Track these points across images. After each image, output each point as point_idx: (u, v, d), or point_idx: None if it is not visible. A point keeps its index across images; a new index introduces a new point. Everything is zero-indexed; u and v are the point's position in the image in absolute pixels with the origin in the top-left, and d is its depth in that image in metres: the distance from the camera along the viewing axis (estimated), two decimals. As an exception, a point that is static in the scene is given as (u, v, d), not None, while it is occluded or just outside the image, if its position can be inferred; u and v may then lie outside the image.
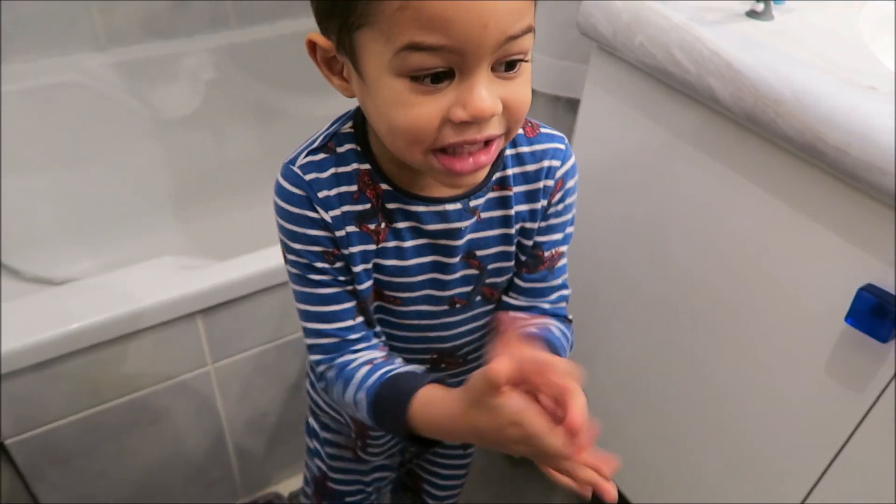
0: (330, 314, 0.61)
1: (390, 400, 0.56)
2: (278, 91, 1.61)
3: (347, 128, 0.59)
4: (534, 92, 0.53)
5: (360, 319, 0.62)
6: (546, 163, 0.61)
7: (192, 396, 1.06)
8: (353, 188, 0.58)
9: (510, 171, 0.60)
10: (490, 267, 0.63)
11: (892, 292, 0.66)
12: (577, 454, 0.46)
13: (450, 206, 0.59)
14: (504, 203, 0.61)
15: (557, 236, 0.64)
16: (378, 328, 0.65)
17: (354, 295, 0.61)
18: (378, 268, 0.60)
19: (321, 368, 0.63)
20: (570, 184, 0.63)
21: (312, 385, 0.80)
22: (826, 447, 0.77)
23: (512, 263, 0.64)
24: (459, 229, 0.59)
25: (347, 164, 0.58)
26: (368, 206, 0.58)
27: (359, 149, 0.58)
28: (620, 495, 1.10)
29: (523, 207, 0.61)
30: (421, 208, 0.58)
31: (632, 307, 1.00)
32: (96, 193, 1.44)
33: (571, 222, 0.65)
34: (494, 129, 0.49)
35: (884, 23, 0.86)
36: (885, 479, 0.72)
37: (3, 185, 1.30)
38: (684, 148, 0.83)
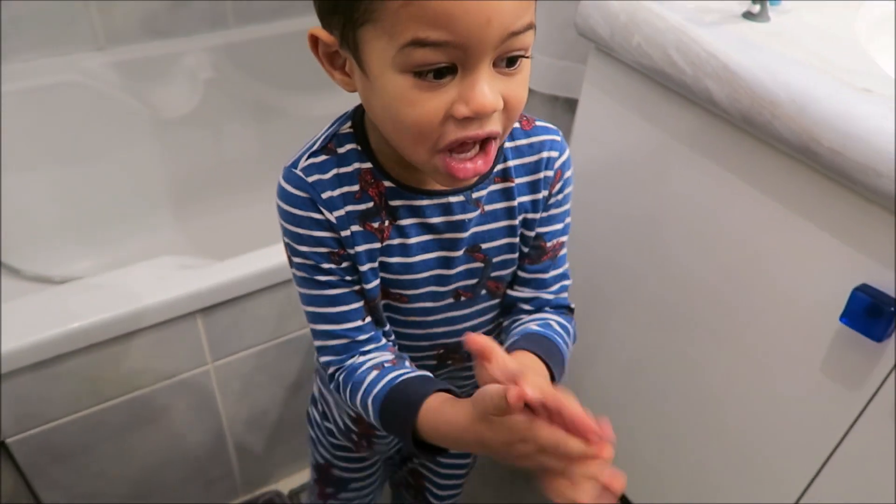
0: (338, 315, 0.61)
1: (399, 405, 0.56)
2: (277, 90, 1.61)
3: (346, 128, 0.59)
4: (532, 91, 0.54)
5: (368, 320, 0.62)
6: (545, 154, 0.62)
7: (192, 395, 1.07)
8: (356, 188, 0.58)
9: (511, 163, 0.61)
10: (495, 260, 0.64)
11: (887, 292, 0.67)
12: (600, 451, 0.46)
13: (453, 199, 0.59)
14: (507, 195, 0.62)
15: (559, 226, 0.65)
16: (388, 327, 0.66)
17: (362, 295, 0.61)
18: (383, 266, 0.61)
19: (331, 370, 0.63)
20: (567, 174, 0.64)
21: (323, 382, 0.79)
22: (822, 445, 0.78)
23: (516, 255, 0.65)
24: (463, 221, 0.60)
25: (349, 164, 0.58)
26: (371, 204, 0.59)
27: (359, 148, 0.58)
28: (622, 495, 1.11)
29: (525, 198, 0.62)
30: (425, 202, 0.59)
31: (628, 307, 1.01)
32: (96, 192, 1.44)
33: (569, 212, 0.66)
34: (495, 125, 0.50)
35: (880, 23, 0.86)
36: (880, 476, 0.73)
37: (2, 185, 1.30)
38: (681, 149, 0.83)
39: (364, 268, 0.60)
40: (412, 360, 0.69)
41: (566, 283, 0.68)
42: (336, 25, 0.49)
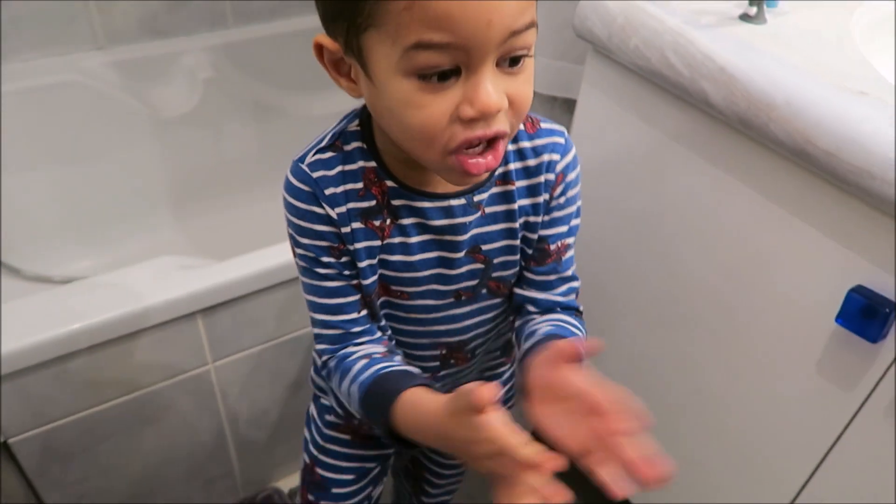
0: (335, 306, 0.63)
1: (379, 396, 0.58)
2: (276, 89, 1.62)
3: (354, 126, 0.60)
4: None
5: (364, 313, 0.64)
6: (546, 157, 0.62)
7: (192, 395, 1.07)
8: (359, 185, 0.59)
9: (512, 167, 0.62)
10: (496, 261, 0.65)
11: (882, 293, 0.67)
12: (544, 463, 0.47)
13: (454, 202, 0.60)
14: (507, 198, 0.62)
15: (562, 229, 0.65)
16: (384, 322, 0.67)
17: (359, 289, 0.63)
18: (384, 263, 0.62)
19: (324, 358, 0.65)
20: (570, 176, 0.64)
21: (317, 371, 0.81)
22: (818, 444, 0.78)
23: (517, 257, 0.65)
24: (464, 224, 0.61)
25: (354, 161, 0.59)
26: (374, 202, 0.60)
27: (365, 146, 0.59)
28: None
29: (526, 202, 0.63)
30: (426, 204, 0.60)
31: (626, 306, 1.01)
32: (95, 192, 1.45)
33: (576, 214, 0.66)
34: (502, 124, 0.50)
35: (875, 25, 0.87)
36: (875, 475, 0.74)
37: (2, 185, 1.31)
38: (679, 149, 0.84)
39: (363, 264, 0.61)
40: (415, 360, 0.71)
41: (574, 284, 0.68)
42: (340, 32, 0.50)
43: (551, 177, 0.63)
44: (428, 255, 0.62)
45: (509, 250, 0.65)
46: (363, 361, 0.61)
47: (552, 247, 0.66)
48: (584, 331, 0.67)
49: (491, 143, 0.51)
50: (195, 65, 1.49)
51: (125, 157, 1.46)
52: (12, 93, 1.29)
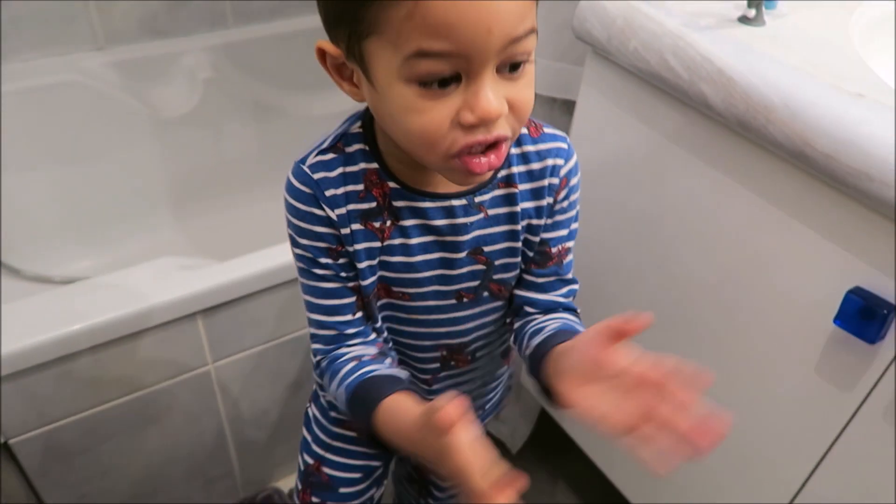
0: (330, 307, 0.64)
1: (363, 399, 0.59)
2: (276, 89, 1.62)
3: (356, 128, 0.61)
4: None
5: (359, 315, 0.65)
6: (550, 161, 0.63)
7: (193, 395, 1.08)
8: (360, 187, 0.60)
9: (515, 170, 0.62)
10: (497, 263, 0.65)
11: (880, 295, 0.68)
12: (496, 496, 0.47)
13: (455, 202, 0.61)
14: (510, 200, 0.63)
15: (563, 232, 0.67)
16: (382, 324, 0.67)
17: (356, 291, 0.64)
18: (385, 265, 0.63)
19: (318, 358, 0.66)
20: (573, 181, 0.65)
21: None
22: (817, 445, 0.79)
23: (518, 259, 0.66)
24: (465, 225, 0.62)
25: (355, 163, 0.60)
26: (374, 204, 0.60)
27: (367, 148, 0.60)
28: (620, 495, 1.12)
29: (529, 204, 0.64)
30: (428, 204, 0.60)
31: (624, 307, 1.01)
32: (95, 192, 1.45)
33: (576, 218, 0.68)
34: (502, 129, 0.51)
35: (873, 26, 0.87)
36: (873, 476, 0.74)
37: (2, 185, 1.31)
38: (678, 151, 0.84)
39: (362, 265, 0.62)
40: (416, 360, 0.71)
41: (574, 287, 0.70)
42: (342, 38, 0.51)
43: (555, 181, 0.63)
44: (429, 256, 0.63)
45: (510, 252, 0.65)
46: (352, 364, 0.62)
47: (553, 250, 0.67)
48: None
49: (493, 145, 0.51)
50: (195, 65, 1.49)
51: (125, 158, 1.47)
52: (12, 93, 1.30)
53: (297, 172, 0.60)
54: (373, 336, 0.66)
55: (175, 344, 1.01)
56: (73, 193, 1.42)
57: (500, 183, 0.62)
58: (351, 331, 0.65)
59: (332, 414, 0.81)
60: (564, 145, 0.64)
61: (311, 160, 0.60)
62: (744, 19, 0.80)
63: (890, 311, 0.66)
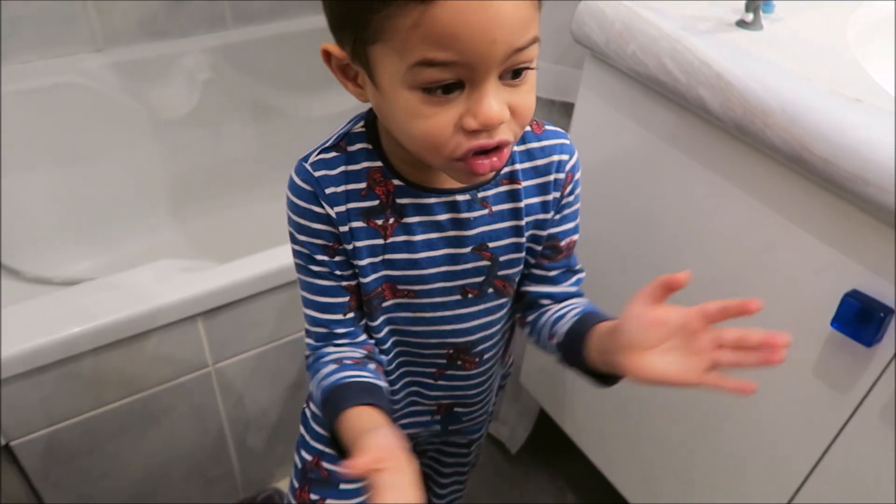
0: (323, 305, 0.65)
1: (332, 405, 0.61)
2: (275, 90, 1.62)
3: (359, 127, 0.62)
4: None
5: (350, 315, 0.66)
6: (556, 157, 0.65)
7: (193, 397, 1.08)
8: (362, 185, 0.61)
9: (518, 167, 0.64)
10: (502, 259, 0.66)
11: (877, 298, 0.68)
12: None
13: (459, 197, 0.62)
14: (514, 196, 0.64)
15: (571, 225, 0.69)
16: (380, 323, 0.68)
17: (350, 291, 0.65)
18: (388, 263, 0.64)
19: (307, 353, 0.68)
20: (577, 175, 0.68)
21: None
22: (813, 447, 0.79)
23: (522, 255, 0.68)
24: (469, 220, 0.63)
25: (358, 162, 0.61)
26: (377, 202, 0.61)
27: (370, 147, 0.61)
28: (619, 495, 1.12)
29: (534, 200, 0.65)
30: (433, 200, 0.62)
31: (621, 311, 1.01)
32: (95, 193, 1.45)
33: (579, 212, 0.70)
34: (505, 134, 0.52)
35: (873, 27, 0.87)
36: (870, 478, 0.74)
37: (2, 186, 1.31)
38: (676, 154, 0.84)
39: (363, 262, 0.63)
40: (423, 358, 0.72)
41: (581, 275, 0.73)
42: (347, 42, 0.52)
43: (561, 176, 0.66)
44: (433, 252, 0.64)
45: (515, 248, 0.67)
46: (332, 366, 0.64)
47: (563, 243, 0.69)
48: None
49: (495, 148, 0.53)
50: (194, 66, 1.50)
51: (125, 159, 1.47)
52: (12, 94, 1.30)
53: (299, 170, 0.61)
54: (362, 338, 0.68)
55: (176, 345, 1.01)
56: (72, 195, 1.43)
57: (504, 180, 0.64)
58: (341, 330, 0.66)
59: None
60: (567, 141, 0.66)
61: (313, 158, 0.61)
62: (742, 23, 0.80)
63: (887, 314, 0.67)
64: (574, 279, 0.72)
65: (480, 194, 0.63)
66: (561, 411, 1.21)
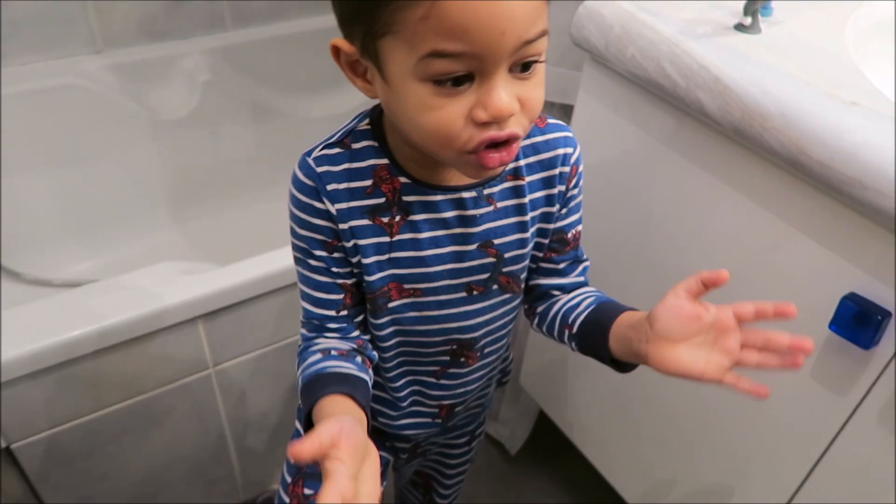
0: (318, 300, 0.66)
1: (310, 393, 0.61)
2: (275, 91, 1.62)
3: (364, 125, 0.62)
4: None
5: (343, 313, 0.66)
6: (560, 151, 0.66)
7: (193, 399, 1.08)
8: (367, 183, 0.61)
9: (523, 162, 0.64)
10: (507, 255, 0.67)
11: (874, 301, 0.68)
12: None
13: (465, 194, 0.62)
14: (518, 192, 0.65)
15: (576, 217, 0.70)
16: (382, 321, 0.68)
17: (346, 289, 0.65)
18: (395, 261, 0.64)
19: (299, 343, 0.68)
20: (581, 168, 0.68)
21: None
22: (812, 449, 0.79)
23: (527, 250, 0.68)
24: (475, 217, 0.63)
25: (362, 159, 0.61)
26: (382, 200, 0.61)
27: (376, 144, 0.61)
28: (618, 496, 1.13)
29: (539, 194, 0.66)
30: (439, 197, 0.62)
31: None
32: (95, 195, 1.45)
33: (582, 203, 0.71)
34: (514, 126, 0.52)
35: (872, 28, 0.88)
36: (868, 479, 0.75)
37: (2, 188, 1.31)
38: (674, 158, 0.85)
39: (369, 260, 0.63)
40: (426, 356, 0.72)
41: (587, 264, 0.75)
42: (357, 36, 0.52)
43: (566, 169, 0.66)
44: (440, 250, 0.64)
45: (520, 244, 0.67)
46: (317, 356, 0.64)
47: (569, 235, 0.70)
48: None
49: (505, 142, 0.53)
50: (194, 67, 1.50)
51: (124, 160, 1.47)
52: (12, 96, 1.30)
53: (302, 164, 0.62)
54: (355, 333, 0.68)
55: (176, 347, 1.01)
56: (72, 196, 1.43)
57: (508, 176, 0.64)
58: (332, 325, 0.67)
59: None
60: (570, 134, 0.67)
61: (316, 153, 0.61)
62: (740, 27, 0.80)
63: (884, 316, 0.67)
64: (581, 268, 0.74)
65: (486, 191, 0.63)
66: (560, 413, 1.21)
